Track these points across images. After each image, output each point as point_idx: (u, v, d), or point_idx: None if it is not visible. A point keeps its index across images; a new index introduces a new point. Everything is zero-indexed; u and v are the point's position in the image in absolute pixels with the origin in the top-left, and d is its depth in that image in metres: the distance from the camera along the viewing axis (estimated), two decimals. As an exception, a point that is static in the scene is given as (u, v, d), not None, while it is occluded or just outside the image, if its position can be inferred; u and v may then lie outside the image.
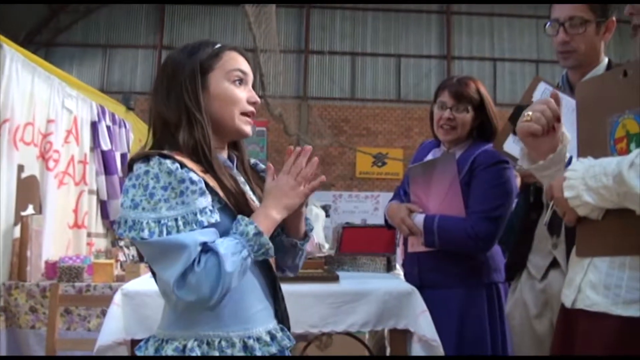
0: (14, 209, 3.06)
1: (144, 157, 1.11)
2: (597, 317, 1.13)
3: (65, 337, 2.70)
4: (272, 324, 1.21)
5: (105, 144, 4.15)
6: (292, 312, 1.29)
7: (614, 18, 1.65)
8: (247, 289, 1.17)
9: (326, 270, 2.24)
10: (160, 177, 1.08)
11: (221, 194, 1.14)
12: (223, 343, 1.12)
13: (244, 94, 1.23)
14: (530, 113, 1.28)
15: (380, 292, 1.92)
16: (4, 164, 2.99)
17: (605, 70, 1.65)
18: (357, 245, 2.54)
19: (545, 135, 1.27)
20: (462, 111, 2.01)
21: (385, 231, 2.36)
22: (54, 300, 2.44)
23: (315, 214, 6.29)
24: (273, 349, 1.16)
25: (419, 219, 1.99)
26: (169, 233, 1.05)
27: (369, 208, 12.33)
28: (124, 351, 1.82)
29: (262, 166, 1.37)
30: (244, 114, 1.23)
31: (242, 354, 1.12)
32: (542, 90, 1.54)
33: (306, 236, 1.32)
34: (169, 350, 1.11)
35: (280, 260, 1.31)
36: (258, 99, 1.26)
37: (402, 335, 1.95)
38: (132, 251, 3.66)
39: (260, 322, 1.18)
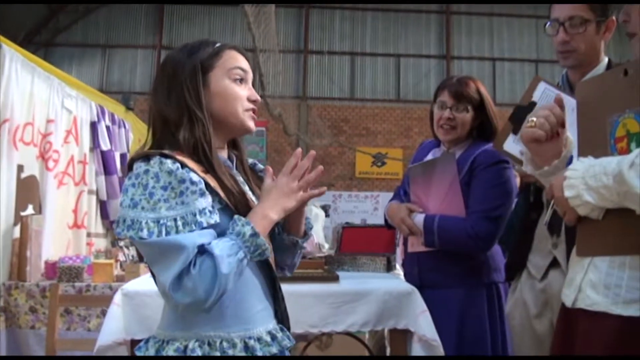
0: (14, 209, 3.06)
1: (145, 157, 1.11)
2: (597, 316, 1.13)
3: (65, 337, 2.70)
4: (272, 324, 1.21)
5: (105, 144, 4.14)
6: (292, 312, 1.29)
7: (614, 17, 1.65)
8: (248, 289, 1.17)
9: (326, 270, 2.23)
10: (160, 176, 1.08)
11: (222, 194, 1.14)
12: (224, 344, 1.12)
13: (244, 92, 1.24)
14: (534, 119, 1.28)
15: (380, 292, 1.92)
16: (4, 164, 2.99)
17: (605, 70, 1.65)
18: (357, 245, 2.54)
19: (549, 141, 1.27)
20: (462, 111, 2.01)
21: (385, 231, 2.36)
22: (53, 301, 2.43)
23: (315, 213, 6.28)
24: (274, 349, 1.16)
25: (419, 218, 1.99)
26: (167, 233, 1.05)
27: (368, 208, 12.34)
28: (124, 351, 1.82)
29: (260, 166, 1.37)
30: (246, 110, 1.23)
31: (243, 354, 1.12)
32: (542, 90, 1.54)
33: (305, 234, 1.32)
34: (170, 351, 1.11)
35: (279, 258, 1.31)
36: (259, 97, 1.27)
37: (402, 335, 1.95)
38: (132, 251, 3.65)
39: (260, 322, 1.18)
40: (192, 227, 1.07)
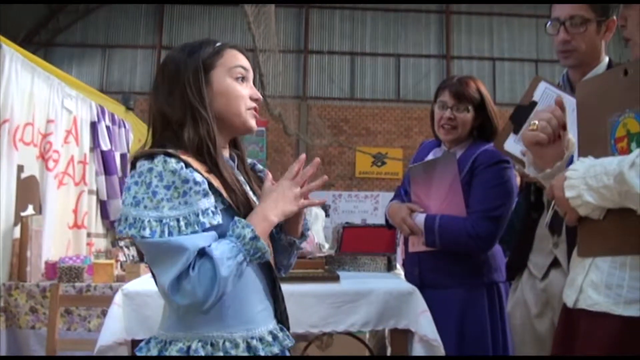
0: (14, 209, 3.06)
1: (149, 155, 1.11)
2: (598, 317, 1.12)
3: (66, 338, 2.70)
4: (273, 324, 1.21)
5: (105, 144, 4.14)
6: (293, 312, 1.29)
7: (614, 17, 1.65)
8: (249, 290, 1.17)
9: (327, 270, 2.23)
10: (164, 175, 1.08)
11: (225, 194, 1.14)
12: (227, 344, 1.12)
13: (246, 91, 1.24)
14: (536, 122, 1.28)
15: (380, 292, 1.92)
16: (4, 164, 2.99)
17: (606, 70, 1.65)
18: (357, 245, 2.54)
19: (551, 144, 1.28)
20: (463, 111, 2.01)
21: (386, 231, 2.36)
22: (54, 301, 2.43)
23: (315, 214, 6.29)
24: (275, 349, 1.17)
25: (420, 218, 1.98)
26: (170, 233, 1.05)
27: (368, 208, 12.35)
28: (124, 351, 1.82)
29: (260, 167, 1.38)
30: (248, 109, 1.24)
31: (246, 354, 1.12)
32: (543, 90, 1.54)
33: (303, 235, 1.32)
34: (173, 352, 1.11)
35: (276, 259, 1.31)
36: (260, 96, 1.27)
37: (403, 335, 1.94)
38: (132, 251, 3.65)
39: (262, 322, 1.18)
40: (195, 227, 1.07)
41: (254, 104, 1.25)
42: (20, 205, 3.12)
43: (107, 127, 4.22)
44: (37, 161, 3.36)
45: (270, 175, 1.26)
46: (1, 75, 2.96)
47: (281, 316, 1.25)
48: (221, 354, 1.11)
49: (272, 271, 1.24)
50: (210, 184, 1.12)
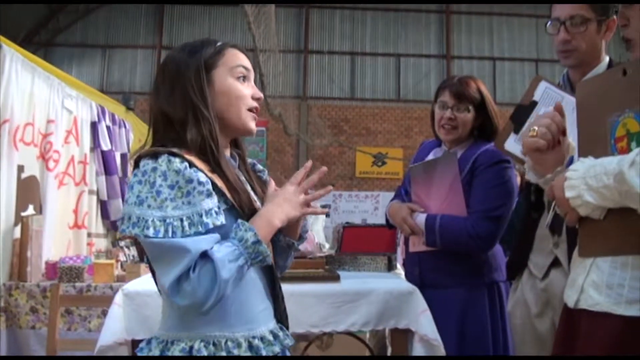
0: (14, 209, 3.06)
1: (152, 154, 1.11)
2: (599, 317, 1.12)
3: (66, 338, 2.70)
4: (273, 324, 1.21)
5: (105, 144, 4.14)
6: (293, 312, 1.29)
7: (615, 17, 1.65)
8: (251, 290, 1.17)
9: (327, 270, 2.23)
10: (168, 175, 1.08)
11: (228, 194, 1.15)
12: (229, 343, 1.12)
13: (248, 90, 1.24)
14: (535, 128, 1.28)
15: (381, 292, 1.92)
16: (4, 165, 2.99)
17: (606, 69, 1.65)
18: (357, 244, 2.54)
19: (551, 149, 1.28)
20: (463, 111, 2.01)
21: (386, 231, 2.36)
22: (54, 301, 2.43)
23: (315, 213, 6.26)
24: (277, 348, 1.17)
25: (421, 218, 1.98)
26: (173, 233, 1.05)
27: (369, 208, 12.34)
28: (125, 351, 1.82)
29: (260, 167, 1.38)
30: (249, 110, 1.24)
31: (248, 353, 1.13)
32: (543, 90, 1.54)
33: (301, 237, 1.33)
34: (176, 352, 1.11)
35: (274, 259, 1.32)
36: (261, 95, 1.28)
37: (403, 335, 1.94)
38: (133, 251, 3.66)
39: (263, 321, 1.18)
40: (198, 227, 1.07)
41: (255, 104, 1.25)
42: (21, 205, 3.12)
43: (108, 127, 4.22)
44: (37, 161, 3.36)
45: (273, 182, 1.27)
46: (1, 75, 2.96)
47: (281, 316, 1.25)
48: (224, 353, 1.11)
49: (272, 271, 1.24)
50: (213, 184, 1.12)
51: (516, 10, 13.24)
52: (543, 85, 1.54)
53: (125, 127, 4.61)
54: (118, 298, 1.85)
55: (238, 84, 1.23)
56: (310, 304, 1.89)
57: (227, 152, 1.27)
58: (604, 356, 1.10)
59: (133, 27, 13.18)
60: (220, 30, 12.92)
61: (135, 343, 1.79)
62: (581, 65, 1.67)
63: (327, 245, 3.62)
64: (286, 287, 1.29)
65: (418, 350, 1.86)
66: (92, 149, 4.06)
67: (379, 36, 13.37)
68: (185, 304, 1.06)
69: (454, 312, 1.96)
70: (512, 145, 1.55)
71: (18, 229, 3.04)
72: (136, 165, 1.13)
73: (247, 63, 1.25)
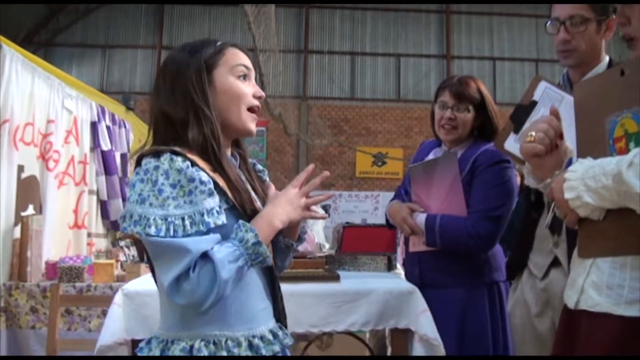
0: (14, 209, 3.06)
1: (155, 153, 1.11)
2: (599, 317, 1.12)
3: (66, 338, 2.70)
4: (272, 323, 1.22)
5: (105, 144, 4.15)
6: (293, 311, 1.29)
7: (614, 17, 1.65)
8: (251, 289, 1.18)
9: (327, 269, 2.23)
10: (170, 174, 1.08)
11: (229, 194, 1.15)
12: (229, 343, 1.12)
13: (249, 89, 1.24)
14: (533, 133, 1.29)
15: (381, 292, 1.92)
16: (4, 164, 2.99)
17: (606, 69, 1.65)
18: (357, 244, 2.54)
19: (549, 154, 1.28)
20: (463, 111, 2.01)
21: (386, 231, 2.36)
22: (54, 301, 2.43)
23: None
24: (276, 348, 1.17)
25: (421, 218, 1.99)
26: (175, 232, 1.06)
27: (369, 208, 12.34)
28: (125, 351, 1.82)
29: (259, 167, 1.38)
30: (250, 109, 1.24)
31: (248, 353, 1.13)
32: (543, 89, 1.54)
33: (300, 239, 1.34)
34: (176, 351, 1.11)
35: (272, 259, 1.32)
36: (263, 93, 1.28)
37: (403, 335, 1.94)
38: (133, 251, 3.66)
39: (263, 321, 1.19)
40: (200, 227, 1.07)
41: (256, 102, 1.25)
42: (21, 205, 3.12)
43: (108, 127, 4.22)
44: (37, 161, 3.36)
45: (273, 186, 1.28)
46: (1, 75, 2.96)
47: (280, 315, 1.26)
48: (224, 353, 1.11)
49: (272, 271, 1.24)
50: (215, 184, 1.12)
51: (516, 10, 13.23)
52: (543, 85, 1.54)
53: (125, 127, 4.61)
54: (118, 298, 1.85)
55: (239, 82, 1.23)
56: (310, 304, 1.89)
57: (228, 152, 1.27)
58: (604, 356, 1.10)
59: (133, 27, 13.17)
60: (220, 30, 12.92)
61: (135, 343, 1.79)
62: (581, 65, 1.68)
63: (327, 245, 3.62)
64: (286, 287, 1.29)
65: (418, 350, 1.86)
66: (92, 149, 4.07)
67: (379, 36, 13.36)
68: (184, 303, 1.06)
69: (454, 312, 1.96)
70: (512, 145, 1.55)
71: (18, 229, 3.04)
72: (138, 163, 1.13)
73: (247, 62, 1.25)
